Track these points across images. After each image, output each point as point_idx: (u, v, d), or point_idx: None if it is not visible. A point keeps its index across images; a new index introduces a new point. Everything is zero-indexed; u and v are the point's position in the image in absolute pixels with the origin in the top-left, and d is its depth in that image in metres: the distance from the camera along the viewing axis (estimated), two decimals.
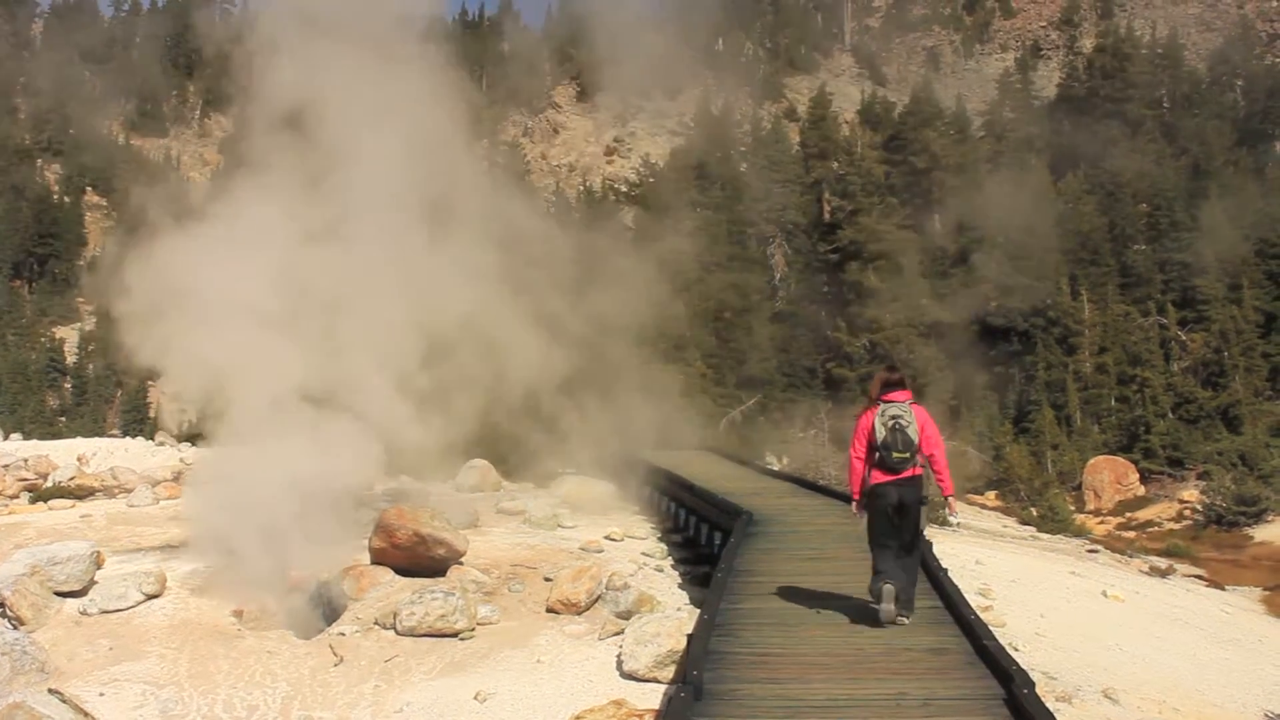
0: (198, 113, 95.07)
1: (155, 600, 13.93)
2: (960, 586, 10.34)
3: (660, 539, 19.34)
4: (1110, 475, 39.27)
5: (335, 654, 12.40)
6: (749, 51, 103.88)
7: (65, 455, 33.33)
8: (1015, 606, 16.22)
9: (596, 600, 13.92)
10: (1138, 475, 39.80)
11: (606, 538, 18.47)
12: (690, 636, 8.54)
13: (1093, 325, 47.63)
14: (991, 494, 38.56)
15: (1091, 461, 40.29)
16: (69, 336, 68.59)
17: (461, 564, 15.35)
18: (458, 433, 21.33)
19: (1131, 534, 34.36)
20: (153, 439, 44.95)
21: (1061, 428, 43.77)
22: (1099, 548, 28.07)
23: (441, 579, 14.73)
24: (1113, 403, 45.37)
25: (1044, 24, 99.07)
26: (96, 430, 52.83)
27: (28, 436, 45.20)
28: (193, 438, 41.61)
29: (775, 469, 32.71)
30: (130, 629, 13.14)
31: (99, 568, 14.69)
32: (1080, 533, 32.06)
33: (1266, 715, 13.39)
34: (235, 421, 15.93)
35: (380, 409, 17.01)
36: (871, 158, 55.90)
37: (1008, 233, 51.50)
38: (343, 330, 17.28)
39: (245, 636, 13.04)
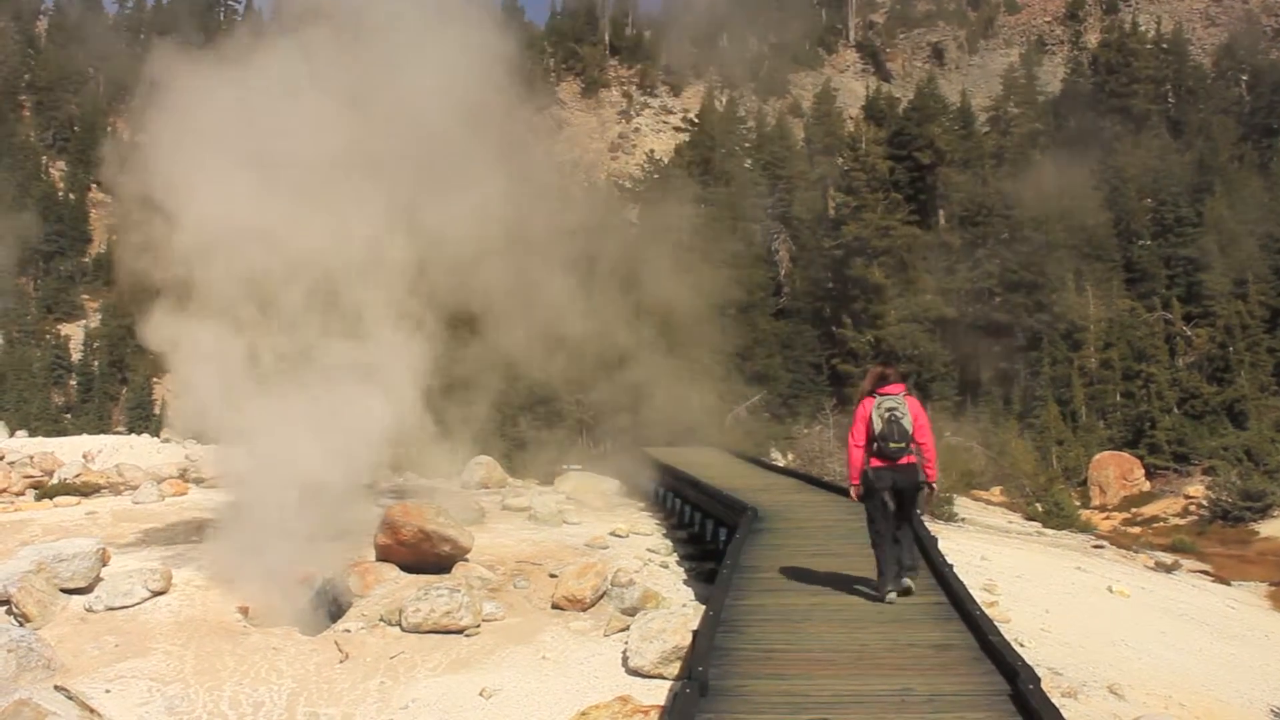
0: None
1: (161, 597, 13.95)
2: (965, 582, 10.31)
3: (665, 535, 19.35)
4: (1115, 471, 39.22)
5: (341, 650, 12.41)
6: (753, 47, 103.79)
7: (71, 452, 33.36)
8: (1020, 602, 16.22)
9: (602, 597, 13.93)
10: (1143, 471, 39.76)
11: (612, 534, 18.48)
12: (695, 633, 8.53)
13: (1098, 321, 47.58)
14: (996, 489, 38.48)
15: (1097, 457, 40.24)
16: (74, 334, 68.63)
17: (467, 560, 15.36)
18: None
19: (1137, 529, 34.31)
20: (158, 436, 44.97)
21: (1067, 423, 43.71)
22: (1104, 543, 28.06)
23: (447, 576, 14.75)
24: (1118, 398, 45.33)
25: (1049, 19, 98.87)
26: (102, 427, 52.90)
27: (33, 434, 45.25)
28: (198, 435, 41.65)
29: (780, 465, 32.69)
30: (136, 626, 13.16)
31: (105, 565, 14.72)
32: (1085, 528, 32.04)
33: (1272, 710, 13.38)
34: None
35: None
36: (876, 153, 55.78)
37: (1013, 228, 51.46)
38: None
39: (251, 633, 13.06)
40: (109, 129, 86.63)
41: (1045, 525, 31.77)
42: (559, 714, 10.59)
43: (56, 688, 10.69)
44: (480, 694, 11.12)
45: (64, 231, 75.79)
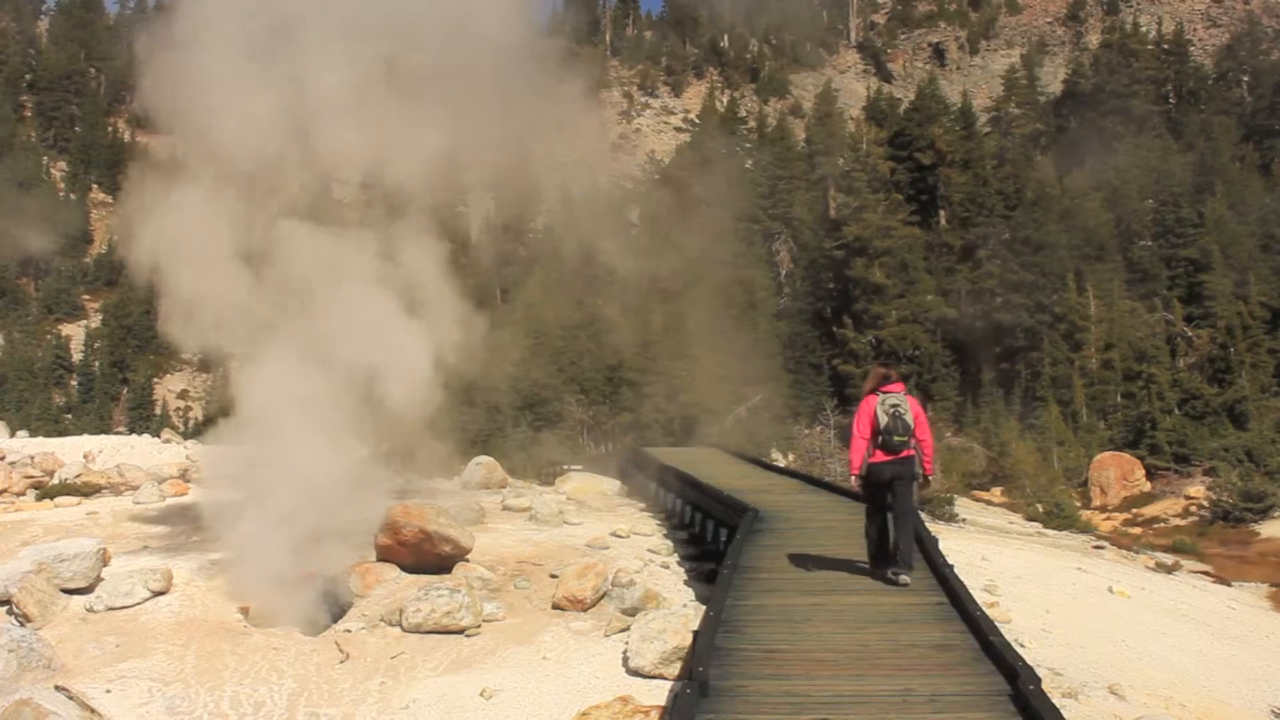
0: None
1: (162, 597, 13.95)
2: (966, 583, 10.32)
3: (666, 535, 19.33)
4: (1116, 471, 39.20)
5: (341, 651, 12.42)
6: (754, 47, 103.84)
7: (71, 452, 33.35)
8: (1021, 603, 16.22)
9: (602, 597, 13.92)
10: (1144, 471, 39.73)
11: (612, 534, 18.47)
12: (696, 633, 8.53)
13: (1099, 321, 47.57)
14: (997, 490, 38.48)
15: (1097, 458, 40.22)
16: (75, 334, 68.65)
17: (467, 561, 15.36)
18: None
19: (1137, 530, 34.30)
20: (159, 436, 44.98)
21: (1067, 424, 43.70)
22: (1105, 544, 28.06)
23: (447, 576, 14.74)
24: (1119, 399, 45.33)
25: (1050, 20, 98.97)
26: (103, 427, 52.94)
27: (34, 434, 45.26)
28: (199, 434, 41.69)
29: (781, 465, 32.70)
30: (137, 626, 13.16)
31: (105, 565, 14.72)
32: (1086, 529, 32.04)
33: (1273, 711, 13.38)
34: None
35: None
36: (877, 154, 55.84)
37: (1013, 229, 51.48)
38: None
39: (251, 633, 13.06)
40: (110, 129, 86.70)
41: (1046, 526, 31.77)
42: (559, 714, 10.59)
43: (57, 688, 10.69)
44: (481, 694, 11.12)
45: (65, 231, 75.75)
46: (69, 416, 59.44)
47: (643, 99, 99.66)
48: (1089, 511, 36.32)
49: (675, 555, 17.48)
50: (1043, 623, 15.22)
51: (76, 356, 66.20)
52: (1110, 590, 19.16)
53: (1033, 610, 15.93)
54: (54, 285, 73.17)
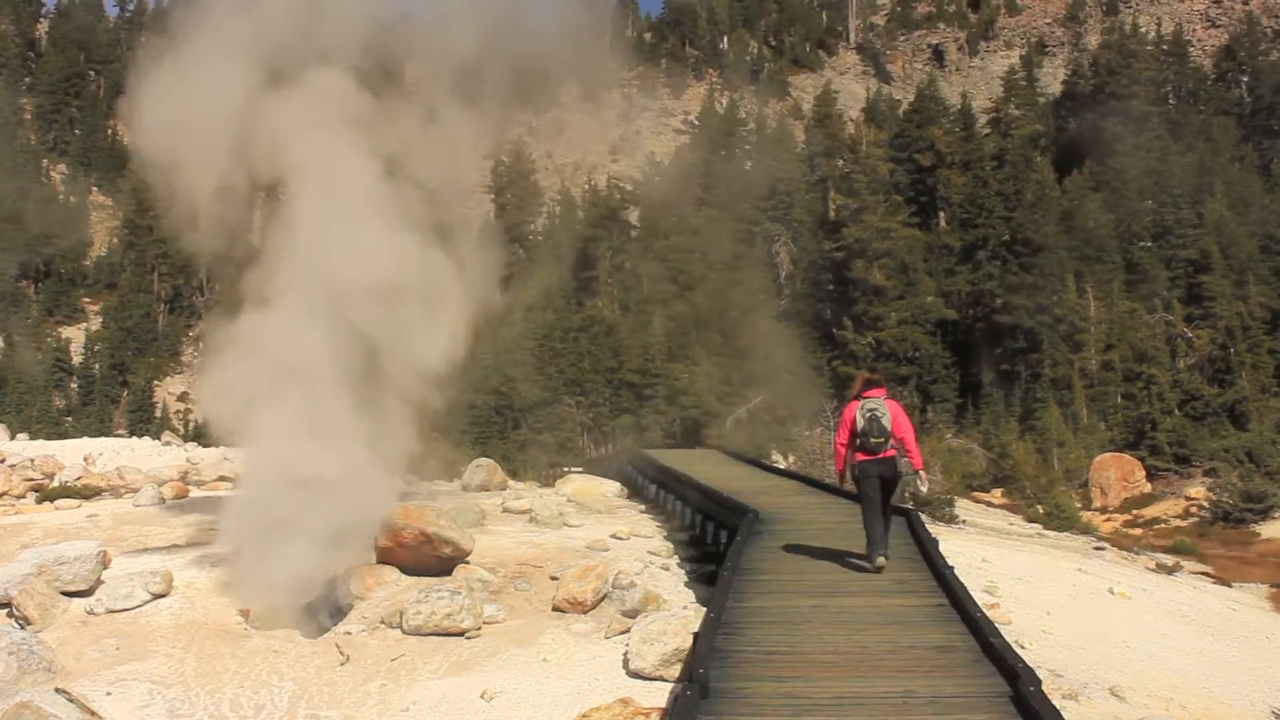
0: None
1: (162, 600, 13.95)
2: (966, 584, 10.32)
3: (666, 537, 19.32)
4: (1116, 472, 39.20)
5: (342, 653, 12.42)
6: (754, 49, 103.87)
7: (72, 455, 33.40)
8: (1021, 604, 16.22)
9: (603, 599, 13.92)
10: (1144, 472, 39.74)
11: (613, 536, 18.46)
12: (696, 635, 8.53)
13: (1099, 322, 47.56)
14: (997, 491, 38.51)
15: (1098, 459, 40.22)
16: (75, 336, 68.65)
17: (468, 563, 15.35)
18: None
19: (1138, 531, 34.32)
20: (159, 439, 45.00)
21: (1068, 425, 43.68)
22: (1105, 545, 28.08)
23: (448, 578, 14.73)
24: (1119, 400, 45.32)
25: (1049, 21, 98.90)
26: (103, 430, 52.92)
27: (34, 436, 45.32)
28: (199, 437, 41.69)
29: (781, 467, 32.70)
30: (137, 628, 13.16)
31: (105, 567, 14.72)
32: (1086, 530, 32.06)
33: (1274, 712, 13.38)
34: None
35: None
36: (876, 155, 55.81)
37: (1013, 230, 51.47)
38: None
39: (252, 636, 13.06)
40: (110, 132, 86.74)
41: (1046, 527, 31.79)
42: (560, 716, 10.59)
43: (57, 690, 10.70)
44: (481, 696, 11.12)
45: (64, 234, 75.76)
46: (69, 419, 59.42)
47: (642, 101, 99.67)
48: (1089, 513, 36.32)
49: (675, 557, 17.48)
50: (1043, 624, 15.23)
51: (76, 359, 66.19)
52: (1111, 591, 19.17)
53: (1033, 612, 15.93)
54: (54, 288, 73.17)
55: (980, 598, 11.74)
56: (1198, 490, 37.05)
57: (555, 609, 13.88)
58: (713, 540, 17.15)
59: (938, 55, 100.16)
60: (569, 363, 52.12)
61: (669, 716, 8.63)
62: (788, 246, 59.83)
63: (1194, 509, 35.85)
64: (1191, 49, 78.16)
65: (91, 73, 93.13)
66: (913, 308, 50.62)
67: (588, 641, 12.76)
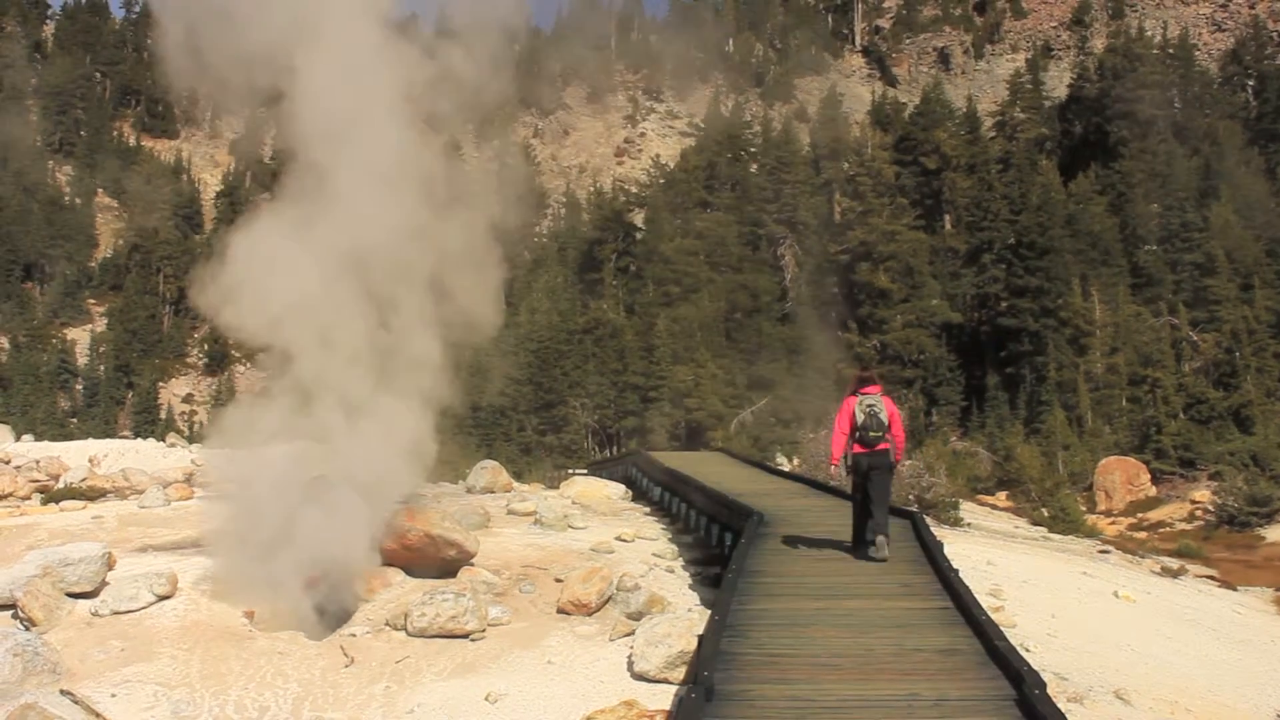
0: (209, 114, 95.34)
1: (167, 601, 13.93)
2: (971, 587, 10.30)
3: (671, 540, 19.30)
4: (1121, 476, 39.18)
5: (346, 655, 12.41)
6: (759, 52, 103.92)
7: (77, 456, 33.34)
8: (1026, 607, 16.18)
9: (607, 601, 13.90)
10: (1149, 476, 39.73)
11: (617, 539, 18.43)
12: (701, 637, 8.52)
13: (1104, 326, 47.56)
14: (1002, 494, 38.49)
15: (1103, 462, 40.21)
16: (80, 338, 68.80)
17: (472, 565, 15.34)
18: None
19: (1143, 534, 34.29)
20: (164, 440, 45.01)
21: (1072, 428, 43.69)
22: (1110, 548, 28.00)
23: (452, 580, 14.71)
24: (1124, 403, 45.31)
25: (1055, 24, 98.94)
26: (108, 431, 53.04)
27: (39, 438, 45.27)
28: (204, 438, 41.68)
29: (786, 470, 32.67)
30: (142, 630, 13.15)
31: (110, 569, 14.71)
32: (1091, 533, 32.00)
33: (1279, 715, 13.35)
34: None
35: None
36: (882, 158, 55.87)
37: (1018, 233, 51.47)
38: None
39: (256, 637, 13.04)
40: (115, 134, 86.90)
41: (1051, 530, 31.74)
42: (564, 718, 10.58)
43: (62, 692, 10.69)
44: (486, 698, 11.11)
45: (70, 236, 75.89)
46: (74, 421, 59.58)
47: (647, 103, 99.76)
48: (1094, 516, 36.32)
49: (680, 559, 17.46)
50: (1048, 627, 15.20)
51: (82, 361, 66.33)
52: (1116, 595, 19.12)
53: (1038, 615, 15.90)
54: (59, 289, 73.31)
55: (985, 601, 11.72)
56: (1203, 494, 37.03)
57: (560, 611, 13.87)
58: (717, 543, 17.13)
59: (943, 58, 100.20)
60: (574, 365, 52.19)
61: (674, 719, 8.63)
62: (793, 249, 59.88)
63: (1199, 512, 35.83)
64: (1197, 53, 78.18)
65: (98, 74, 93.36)
66: (918, 310, 50.65)
67: (592, 644, 12.74)
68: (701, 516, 19.07)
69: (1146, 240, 53.33)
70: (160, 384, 65.86)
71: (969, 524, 28.13)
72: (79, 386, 64.91)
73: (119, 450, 35.90)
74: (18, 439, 42.49)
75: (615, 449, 49.16)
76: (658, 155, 79.76)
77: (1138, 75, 66.02)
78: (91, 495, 25.56)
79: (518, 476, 30.94)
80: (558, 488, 27.23)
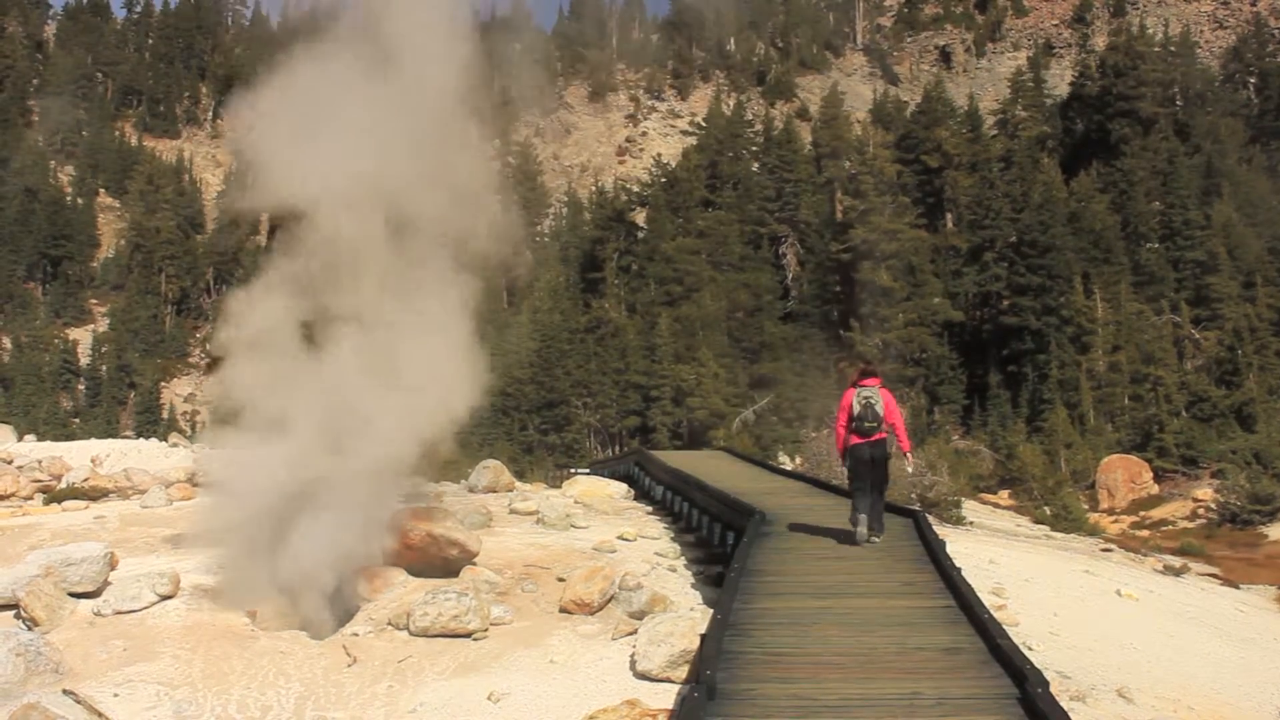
0: (210, 114, 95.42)
1: (169, 601, 13.94)
2: (974, 586, 10.29)
3: (673, 539, 19.29)
4: (1124, 474, 39.17)
5: (348, 654, 12.41)
6: (761, 51, 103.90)
7: (79, 457, 33.34)
8: (1029, 606, 16.18)
9: (610, 600, 13.89)
10: (1151, 474, 39.70)
11: (619, 538, 18.43)
12: (703, 636, 8.51)
13: (1106, 324, 47.52)
14: (1005, 493, 38.49)
15: (1105, 460, 40.19)
16: (82, 338, 68.85)
17: (475, 564, 15.33)
18: None
19: (1145, 533, 34.28)
20: (166, 440, 45.01)
21: (1075, 426, 43.66)
22: (1113, 547, 28.02)
23: (455, 579, 14.71)
24: (1126, 401, 45.28)
25: (1056, 22, 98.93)
26: (110, 431, 53.05)
27: (41, 438, 45.27)
28: (206, 438, 41.67)
29: (788, 469, 32.67)
30: (144, 630, 13.15)
31: (113, 569, 14.72)
32: (1094, 532, 32.01)
33: None
34: None
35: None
36: (884, 157, 55.83)
37: (1020, 231, 51.45)
38: None
39: (259, 637, 13.04)
40: (117, 134, 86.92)
41: (1053, 529, 31.75)
42: (567, 717, 10.57)
43: (65, 691, 10.69)
44: (488, 698, 11.11)
45: (72, 236, 75.93)
46: (76, 421, 59.61)
47: (649, 102, 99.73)
48: (1096, 514, 36.31)
49: (682, 559, 17.45)
50: (1051, 625, 15.19)
51: (84, 361, 66.37)
52: (1118, 593, 19.13)
53: (1041, 613, 15.90)
54: (61, 289, 73.35)
55: (988, 599, 11.73)
56: (1205, 492, 37.00)
57: (562, 610, 13.87)
58: (720, 542, 17.12)
59: (945, 57, 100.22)
60: (576, 364, 52.19)
61: (676, 718, 8.63)
62: (795, 248, 59.93)
63: (1201, 511, 35.82)
64: (1199, 50, 78.19)
65: (99, 74, 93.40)
66: (920, 309, 50.62)
67: (594, 643, 12.74)
68: (704, 515, 19.05)
69: (1148, 238, 53.28)
70: (162, 384, 65.89)
71: (971, 523, 28.13)
72: (81, 386, 64.96)
73: (121, 450, 35.89)
74: (20, 439, 42.50)
75: (617, 448, 49.15)
76: (659, 154, 79.71)
77: (1139, 73, 65.95)
78: (94, 495, 25.57)
79: (520, 476, 30.95)
80: (560, 487, 27.24)
